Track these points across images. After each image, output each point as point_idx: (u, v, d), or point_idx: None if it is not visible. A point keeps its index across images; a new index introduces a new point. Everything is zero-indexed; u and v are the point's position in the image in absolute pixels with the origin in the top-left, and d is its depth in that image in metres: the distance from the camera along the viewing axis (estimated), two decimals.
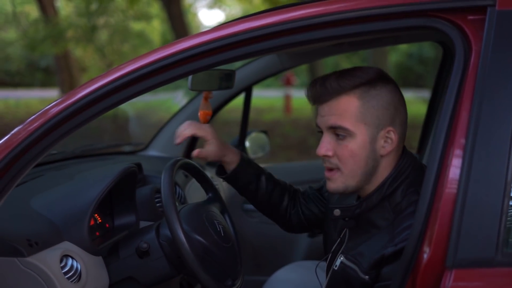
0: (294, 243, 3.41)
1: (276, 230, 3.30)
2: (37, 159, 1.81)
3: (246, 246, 3.39)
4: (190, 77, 2.29)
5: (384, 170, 1.87)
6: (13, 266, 1.85)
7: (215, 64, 1.79)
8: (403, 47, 17.26)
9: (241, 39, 1.75)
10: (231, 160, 2.19)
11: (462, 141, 1.57)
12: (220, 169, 2.24)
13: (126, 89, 1.80)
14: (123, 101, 1.82)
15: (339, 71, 1.87)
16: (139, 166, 2.66)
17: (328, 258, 2.02)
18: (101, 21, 14.02)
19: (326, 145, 1.85)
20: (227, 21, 1.88)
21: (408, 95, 1.91)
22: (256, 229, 3.44)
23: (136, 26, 16.96)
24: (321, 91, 1.84)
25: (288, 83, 15.60)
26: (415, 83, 14.93)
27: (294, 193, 2.31)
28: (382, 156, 1.85)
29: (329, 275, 1.99)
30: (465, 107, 1.59)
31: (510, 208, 1.54)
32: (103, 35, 14.87)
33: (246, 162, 2.21)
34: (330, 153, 1.85)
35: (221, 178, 2.24)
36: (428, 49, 16.19)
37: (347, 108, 1.82)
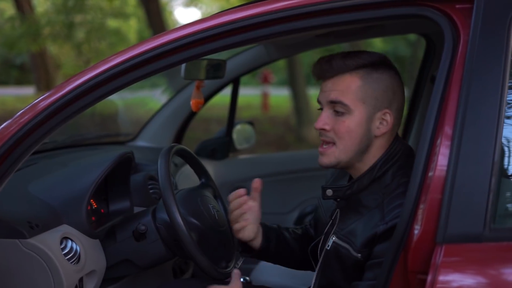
0: None
1: (262, 218, 3.37)
2: (29, 151, 1.87)
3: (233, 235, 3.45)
4: (183, 67, 2.36)
5: (376, 151, 1.94)
6: (15, 248, 1.90)
7: (204, 54, 1.85)
8: (379, 45, 17.37)
9: (229, 29, 1.82)
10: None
11: (451, 123, 1.65)
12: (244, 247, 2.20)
13: (114, 81, 1.85)
14: (111, 93, 1.87)
15: (346, 51, 1.96)
16: (132, 154, 2.71)
17: (321, 240, 2.09)
18: (78, 18, 13.94)
19: (325, 119, 1.93)
20: (212, 13, 1.94)
21: None
22: None
23: (113, 23, 16.89)
24: (327, 67, 1.93)
25: (265, 81, 15.67)
26: None
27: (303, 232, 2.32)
28: (376, 136, 1.93)
29: (322, 255, 2.05)
30: (454, 93, 1.67)
31: (496, 186, 1.62)
32: (80, 33, 14.80)
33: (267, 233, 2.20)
34: (327, 127, 1.93)
35: (249, 256, 2.23)
36: (404, 48, 16.34)
37: (349, 86, 1.91)
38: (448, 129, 1.65)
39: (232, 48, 1.87)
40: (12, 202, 2.04)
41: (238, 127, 3.62)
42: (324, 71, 1.94)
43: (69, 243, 2.03)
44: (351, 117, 1.91)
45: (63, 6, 13.20)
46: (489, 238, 1.60)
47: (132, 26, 20.94)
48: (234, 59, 3.30)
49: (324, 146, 1.96)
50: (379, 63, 1.93)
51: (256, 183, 2.11)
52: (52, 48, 16.91)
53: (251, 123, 3.73)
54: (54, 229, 2.03)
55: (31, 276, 1.93)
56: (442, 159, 1.64)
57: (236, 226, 2.10)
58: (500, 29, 1.67)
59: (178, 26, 1.91)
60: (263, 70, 15.37)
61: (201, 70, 2.43)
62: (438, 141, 1.66)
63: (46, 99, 1.86)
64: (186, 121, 3.46)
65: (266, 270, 2.83)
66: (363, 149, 1.93)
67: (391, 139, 1.96)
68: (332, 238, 2.00)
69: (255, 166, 3.69)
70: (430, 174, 1.65)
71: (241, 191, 2.09)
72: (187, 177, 2.93)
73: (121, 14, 15.50)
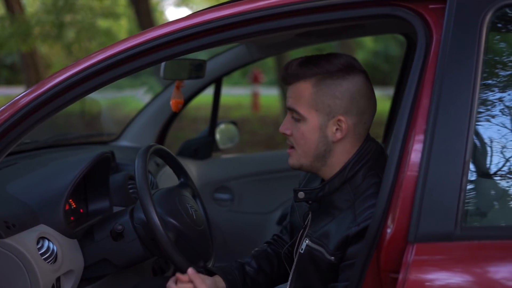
0: (263, 230, 3.49)
1: (245, 218, 3.38)
2: (8, 148, 1.86)
3: (216, 234, 3.46)
4: (162, 66, 2.36)
5: (341, 155, 1.95)
6: None
7: (186, 52, 1.86)
8: (370, 45, 17.41)
9: (211, 27, 1.83)
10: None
11: (423, 123, 1.66)
12: None
13: (95, 78, 1.87)
14: (92, 90, 1.88)
15: (307, 57, 1.96)
16: (112, 154, 2.72)
17: (296, 243, 2.09)
18: (68, 18, 13.92)
19: (286, 124, 1.98)
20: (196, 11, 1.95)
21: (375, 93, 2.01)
22: (226, 217, 3.51)
23: (103, 23, 16.86)
24: (285, 74, 1.96)
25: (256, 80, 15.66)
26: (382, 81, 15.05)
27: (275, 252, 2.28)
28: (334, 142, 1.93)
29: (296, 259, 2.06)
30: (426, 93, 1.68)
31: (467, 185, 1.63)
32: (70, 33, 14.76)
33: (229, 275, 2.14)
34: (288, 132, 1.97)
35: None
36: (394, 47, 16.36)
37: (302, 94, 1.93)
38: (420, 129, 1.66)
39: (209, 48, 1.88)
40: None
41: (221, 127, 3.62)
42: (284, 77, 1.97)
43: (46, 242, 2.03)
44: (305, 124, 1.93)
45: (53, 6, 13.18)
46: (460, 237, 1.61)
47: (123, 26, 20.90)
48: (215, 59, 3.31)
49: (289, 149, 2.00)
50: (337, 69, 1.91)
51: (190, 271, 2.02)
52: (43, 48, 16.85)
53: (234, 122, 3.74)
54: (31, 229, 2.03)
55: (7, 276, 1.93)
56: (414, 158, 1.65)
57: None
58: (472, 29, 1.68)
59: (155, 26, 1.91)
60: (253, 70, 15.36)
61: (181, 70, 2.43)
62: (411, 140, 1.67)
63: (27, 96, 1.87)
64: (168, 121, 3.47)
65: None
66: (322, 154, 1.95)
67: (356, 142, 1.96)
68: (305, 241, 2.00)
69: (237, 165, 3.69)
70: (402, 173, 1.66)
71: (185, 277, 2.02)
72: (168, 177, 2.93)
73: (111, 14, 15.46)
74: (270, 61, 14.14)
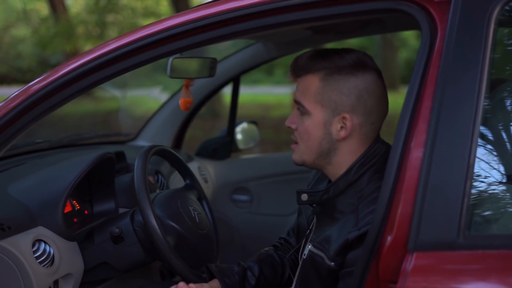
0: (282, 233, 3.41)
1: (264, 220, 3.30)
2: (19, 133, 1.84)
3: (235, 236, 3.40)
4: (168, 65, 2.30)
5: (347, 155, 1.87)
6: None
7: (195, 45, 1.81)
8: (413, 43, 17.14)
9: (217, 21, 1.77)
10: None
11: (425, 125, 1.55)
12: None
13: (110, 67, 1.82)
14: (106, 79, 1.84)
15: (318, 50, 1.90)
16: (121, 154, 2.67)
17: (301, 248, 2.01)
18: (110, 18, 14.09)
19: (292, 118, 1.92)
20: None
21: None
22: (245, 219, 3.44)
23: (145, 23, 16.99)
24: (294, 66, 1.91)
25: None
26: None
27: (280, 257, 2.21)
28: (338, 140, 1.86)
29: (300, 264, 1.98)
30: (429, 91, 1.58)
31: (472, 190, 1.52)
32: (112, 32, 14.93)
33: (227, 278, 2.07)
34: (293, 126, 1.92)
35: None
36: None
37: (309, 87, 1.86)
38: (422, 130, 1.56)
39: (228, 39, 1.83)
40: None
41: (241, 127, 3.55)
42: (293, 70, 1.91)
43: (42, 245, 1.99)
44: (310, 118, 1.87)
45: (95, 6, 13.34)
46: (463, 246, 1.50)
47: None
48: (232, 57, 3.25)
49: (293, 144, 1.95)
50: (346, 64, 1.83)
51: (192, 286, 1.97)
52: (86, 48, 17.09)
53: (254, 122, 3.66)
54: (28, 232, 1.99)
55: (1, 279, 1.89)
56: (415, 162, 1.55)
57: None
58: (478, 24, 1.57)
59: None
60: None
61: (188, 69, 2.36)
62: (412, 143, 1.57)
63: (40, 82, 1.84)
64: (187, 119, 3.42)
65: None
66: (326, 152, 1.88)
67: (363, 142, 1.87)
68: (308, 246, 1.93)
69: (256, 166, 3.61)
70: (403, 176, 1.56)
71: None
72: (181, 179, 2.87)
73: (153, 14, 15.59)
74: None
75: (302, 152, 1.91)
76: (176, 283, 1.98)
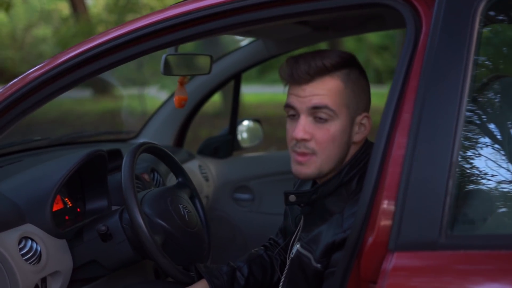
0: None
1: (265, 219, 3.27)
2: (16, 120, 1.83)
3: (236, 234, 3.38)
4: (162, 62, 2.28)
5: (347, 157, 1.84)
6: None
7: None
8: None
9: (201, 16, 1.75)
10: None
11: (407, 123, 1.52)
12: None
13: (109, 56, 1.81)
14: (106, 69, 1.83)
15: (318, 50, 1.80)
16: (118, 152, 2.65)
17: (289, 248, 1.98)
18: (129, 17, 14.15)
19: (305, 128, 1.74)
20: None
21: None
22: (247, 217, 3.42)
23: None
24: (305, 69, 1.74)
25: None
26: None
27: (269, 257, 2.20)
28: (354, 142, 1.81)
29: (288, 264, 1.95)
30: (412, 87, 1.54)
31: (454, 188, 1.49)
32: None
33: (216, 279, 2.05)
34: (308, 137, 1.75)
35: None
36: None
37: (332, 89, 1.75)
38: (403, 129, 1.52)
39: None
40: None
41: (244, 125, 3.53)
42: (301, 73, 1.74)
43: (29, 242, 1.98)
44: (335, 123, 1.75)
45: (115, 5, 13.40)
46: (445, 246, 1.46)
47: None
48: (231, 55, 3.24)
49: (304, 157, 1.78)
50: (357, 64, 1.81)
51: None
52: None
53: (258, 120, 3.63)
54: (14, 229, 1.98)
55: None
56: (397, 159, 1.52)
57: None
58: (463, 21, 1.54)
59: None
60: None
61: (182, 66, 2.35)
62: (395, 141, 1.53)
63: (38, 70, 1.83)
64: (188, 118, 3.40)
65: None
66: (343, 157, 1.81)
67: (361, 144, 1.85)
68: (296, 246, 1.90)
69: (258, 164, 3.59)
70: (385, 174, 1.53)
71: None
72: None
73: None
74: None
75: (322, 162, 1.77)
76: (170, 282, 1.97)
